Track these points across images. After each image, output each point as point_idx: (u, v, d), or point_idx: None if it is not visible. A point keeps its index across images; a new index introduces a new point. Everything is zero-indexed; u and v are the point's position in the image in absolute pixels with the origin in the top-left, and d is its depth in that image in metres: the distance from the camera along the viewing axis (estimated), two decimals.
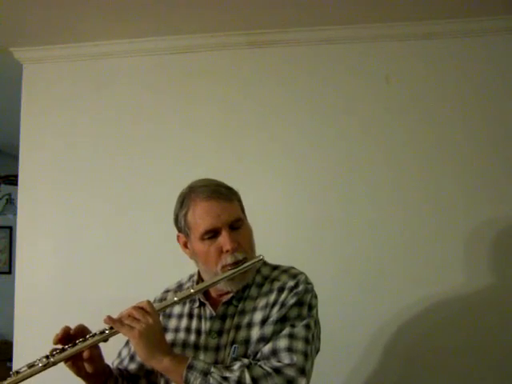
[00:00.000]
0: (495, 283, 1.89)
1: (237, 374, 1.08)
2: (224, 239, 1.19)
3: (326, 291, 1.95)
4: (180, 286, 1.38)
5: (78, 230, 2.17)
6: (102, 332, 1.14)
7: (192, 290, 1.19)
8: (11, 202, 4.19)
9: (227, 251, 1.19)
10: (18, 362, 2.11)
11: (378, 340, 1.91)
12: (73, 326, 1.20)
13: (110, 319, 1.13)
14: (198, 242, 1.22)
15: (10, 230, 4.69)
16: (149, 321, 1.11)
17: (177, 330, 1.28)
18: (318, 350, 1.25)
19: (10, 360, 2.18)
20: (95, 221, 2.16)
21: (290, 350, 1.11)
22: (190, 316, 1.28)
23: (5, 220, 4.48)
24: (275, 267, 1.30)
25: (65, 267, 2.17)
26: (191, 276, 1.37)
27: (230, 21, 2.01)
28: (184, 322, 1.28)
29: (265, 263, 1.31)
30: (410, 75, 2.03)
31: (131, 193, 2.15)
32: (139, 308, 1.14)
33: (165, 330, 1.27)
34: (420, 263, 1.93)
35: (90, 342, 1.13)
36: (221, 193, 1.22)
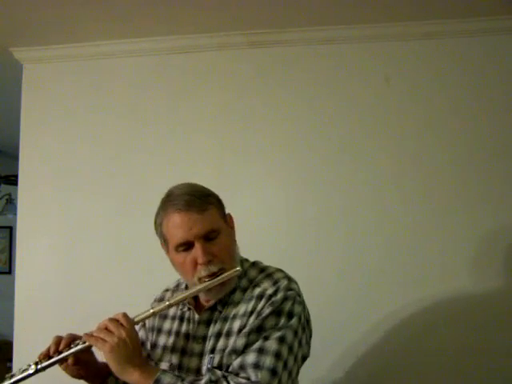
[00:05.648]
0: (498, 287, 1.88)
1: None
2: (197, 252, 1.17)
3: (328, 291, 1.95)
4: (178, 286, 1.38)
5: (77, 230, 2.17)
6: (84, 342, 1.17)
7: (167, 303, 1.19)
8: (11, 201, 4.19)
9: (201, 264, 1.18)
10: (18, 361, 2.11)
11: (372, 338, 1.91)
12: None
13: (85, 335, 1.17)
14: (174, 253, 1.22)
15: (10, 230, 4.69)
16: (122, 334, 1.12)
17: (169, 333, 1.29)
18: (305, 357, 1.22)
19: (10, 360, 2.18)
20: (95, 221, 2.16)
21: (256, 366, 1.08)
22: (181, 319, 1.29)
23: (5, 220, 4.48)
24: (262, 269, 1.26)
25: (65, 267, 2.17)
26: None
27: (230, 21, 2.01)
28: (176, 325, 1.29)
29: (253, 264, 1.29)
30: (409, 75, 2.03)
31: (131, 193, 2.15)
32: (114, 320, 1.15)
33: (159, 331, 1.30)
34: (420, 264, 1.92)
35: (72, 350, 1.18)
36: (193, 205, 1.18)
